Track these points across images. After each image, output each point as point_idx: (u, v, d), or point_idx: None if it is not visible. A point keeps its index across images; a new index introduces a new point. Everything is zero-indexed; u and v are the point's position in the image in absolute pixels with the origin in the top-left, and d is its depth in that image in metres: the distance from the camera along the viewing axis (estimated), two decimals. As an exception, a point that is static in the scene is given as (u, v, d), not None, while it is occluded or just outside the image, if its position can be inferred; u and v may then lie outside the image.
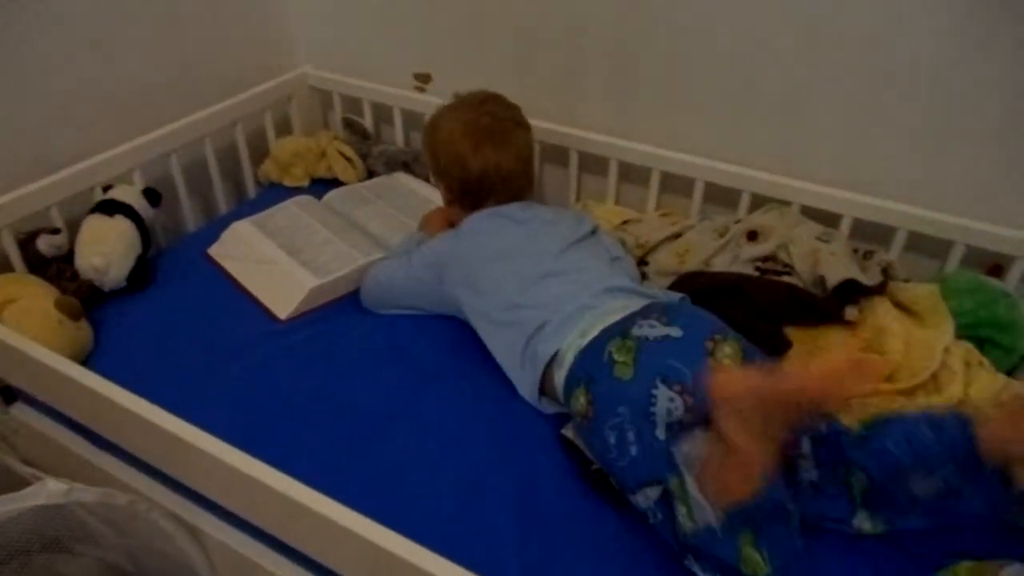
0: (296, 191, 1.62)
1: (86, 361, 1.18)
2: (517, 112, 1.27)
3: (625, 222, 1.42)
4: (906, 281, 1.22)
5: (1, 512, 0.90)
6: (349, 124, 1.71)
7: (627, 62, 1.40)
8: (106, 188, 1.38)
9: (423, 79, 1.66)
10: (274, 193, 1.62)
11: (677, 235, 1.36)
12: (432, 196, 1.53)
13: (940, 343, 1.07)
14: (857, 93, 1.23)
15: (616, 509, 0.94)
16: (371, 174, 1.69)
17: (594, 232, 1.25)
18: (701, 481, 0.79)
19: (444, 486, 0.98)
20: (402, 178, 1.64)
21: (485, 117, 1.23)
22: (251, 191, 1.69)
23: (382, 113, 1.72)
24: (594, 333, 1.00)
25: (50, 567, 1.01)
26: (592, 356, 0.97)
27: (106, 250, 1.27)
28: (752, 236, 1.29)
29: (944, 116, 1.18)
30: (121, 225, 1.32)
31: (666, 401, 0.87)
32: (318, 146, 1.67)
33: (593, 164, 1.51)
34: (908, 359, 1.07)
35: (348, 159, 1.66)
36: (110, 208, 1.33)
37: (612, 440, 0.90)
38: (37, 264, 1.30)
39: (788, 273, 1.23)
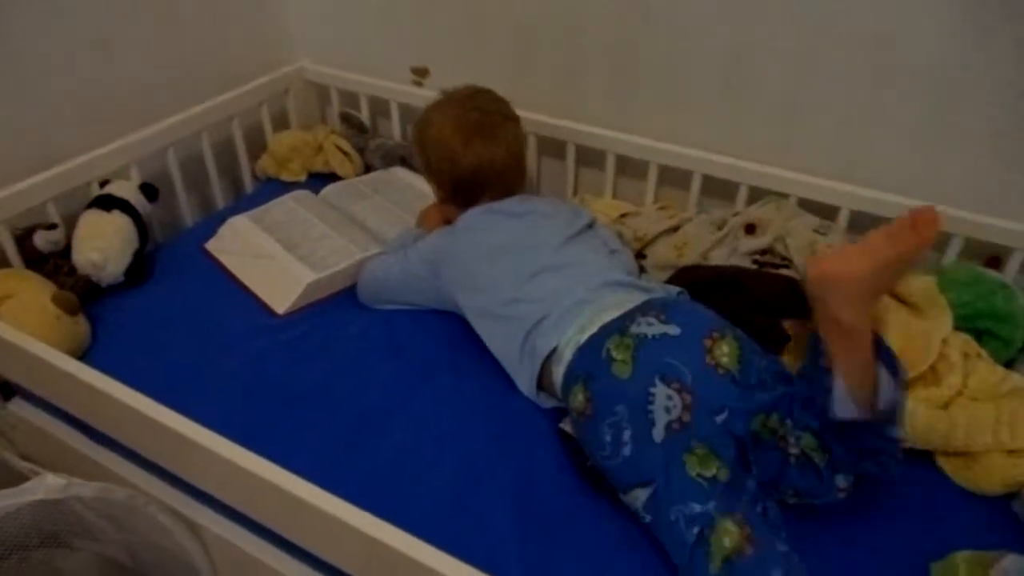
0: (293, 186, 1.62)
1: (83, 356, 1.19)
2: (505, 105, 1.26)
3: (623, 215, 1.42)
4: (904, 273, 1.21)
5: (-1, 507, 0.90)
6: (346, 118, 1.71)
7: (627, 59, 1.39)
8: (103, 183, 1.38)
9: (420, 73, 1.65)
10: (271, 188, 1.62)
11: (675, 228, 1.36)
12: (429, 190, 1.52)
13: (938, 335, 1.06)
14: (856, 90, 1.22)
15: (613, 504, 0.94)
16: (368, 168, 1.68)
17: (591, 225, 1.25)
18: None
19: (442, 480, 0.98)
20: (399, 172, 1.63)
21: (474, 112, 1.22)
22: (248, 186, 1.68)
23: (379, 107, 1.72)
24: (593, 329, 1.00)
25: (49, 562, 1.01)
26: (591, 353, 0.97)
27: (103, 245, 1.27)
28: (750, 229, 1.29)
29: (942, 111, 1.18)
30: (118, 220, 1.31)
31: (664, 399, 0.87)
32: (315, 140, 1.67)
33: (591, 158, 1.50)
34: (906, 351, 1.07)
35: (345, 153, 1.66)
36: (107, 203, 1.33)
37: (608, 438, 0.90)
38: (34, 259, 1.29)
39: (786, 266, 1.23)
